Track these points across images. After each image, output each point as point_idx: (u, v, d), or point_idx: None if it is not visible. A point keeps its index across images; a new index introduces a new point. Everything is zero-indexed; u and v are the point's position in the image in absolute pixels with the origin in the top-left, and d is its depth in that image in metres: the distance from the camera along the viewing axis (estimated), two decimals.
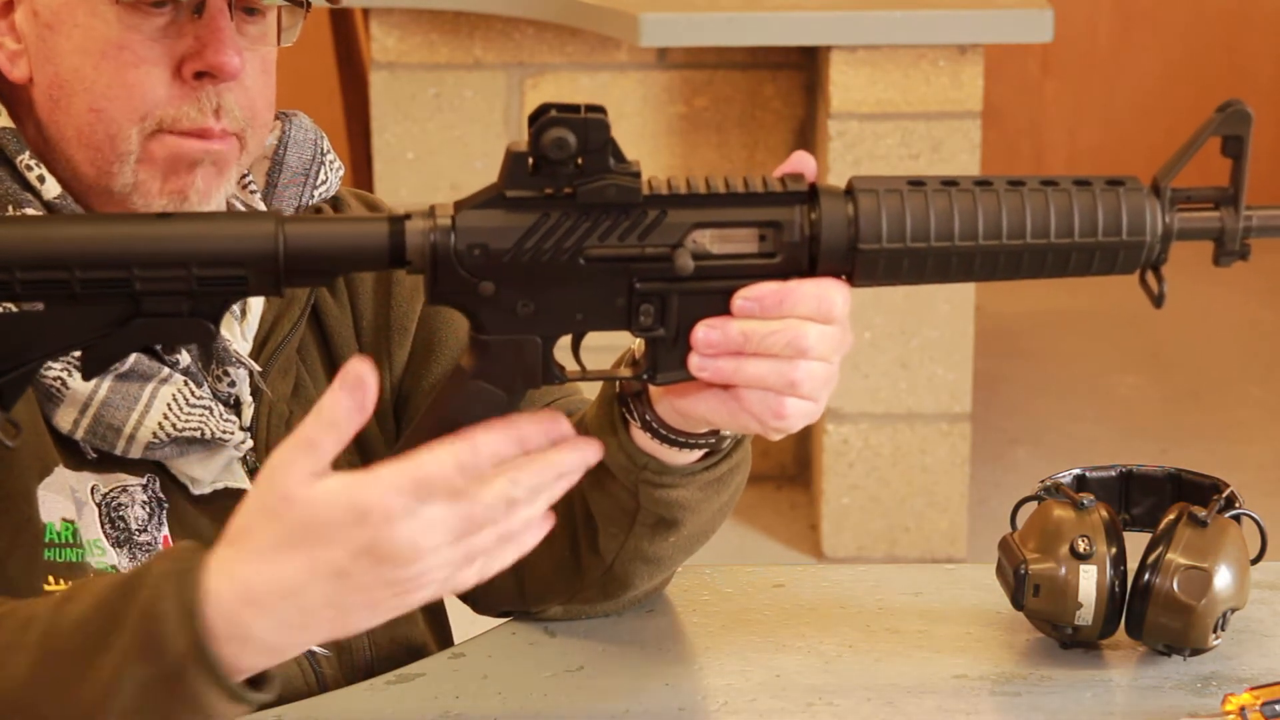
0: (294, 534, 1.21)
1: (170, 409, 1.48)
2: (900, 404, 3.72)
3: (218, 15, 1.45)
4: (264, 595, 1.21)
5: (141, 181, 1.46)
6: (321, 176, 1.60)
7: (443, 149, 3.82)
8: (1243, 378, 4.69)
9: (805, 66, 3.81)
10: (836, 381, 1.32)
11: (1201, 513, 1.50)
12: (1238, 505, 1.53)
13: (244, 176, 1.57)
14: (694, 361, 1.30)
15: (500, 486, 1.21)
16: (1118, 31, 5.54)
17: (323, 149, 1.61)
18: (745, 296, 1.29)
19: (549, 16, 3.59)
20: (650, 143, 3.83)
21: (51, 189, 1.47)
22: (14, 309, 1.34)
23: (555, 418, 1.26)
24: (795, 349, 1.29)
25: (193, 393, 1.50)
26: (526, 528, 1.24)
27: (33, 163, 1.47)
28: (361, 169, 4.01)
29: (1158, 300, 1.31)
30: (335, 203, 1.63)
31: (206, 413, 1.50)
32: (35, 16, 1.47)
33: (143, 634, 1.23)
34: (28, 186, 1.47)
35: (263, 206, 1.57)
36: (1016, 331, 4.84)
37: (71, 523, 1.46)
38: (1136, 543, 1.51)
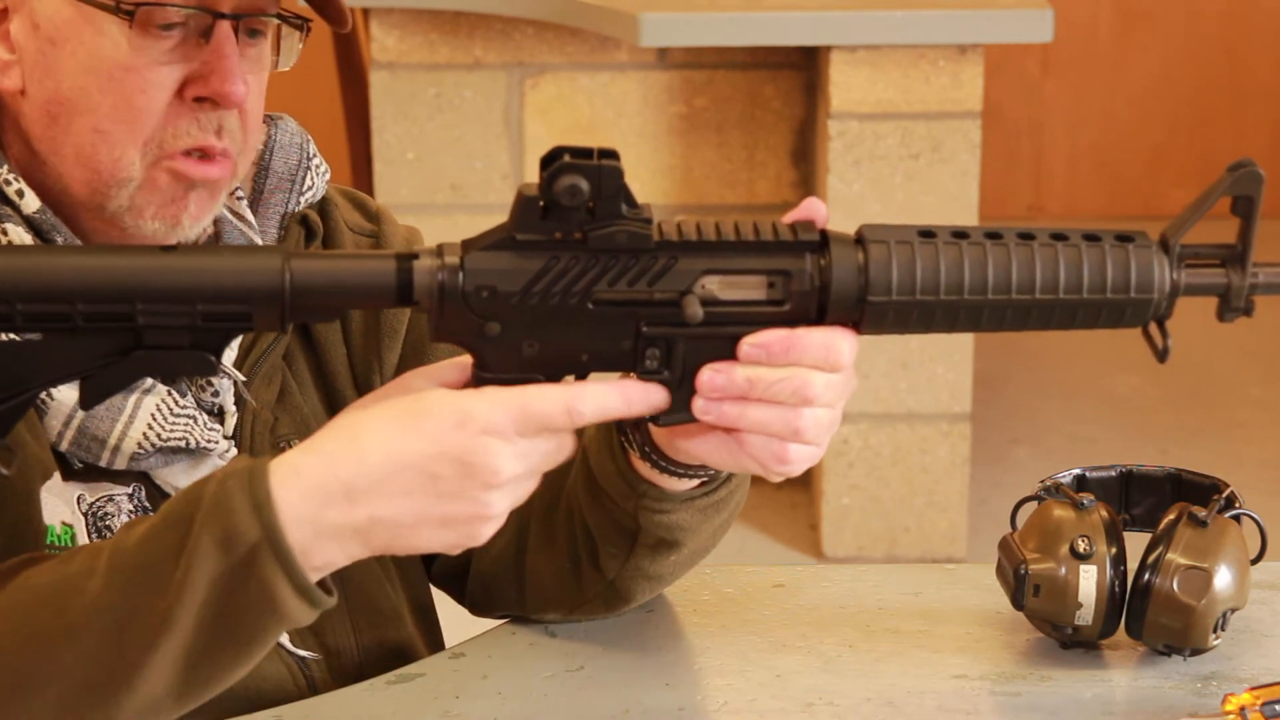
0: (398, 419, 1.24)
1: (154, 419, 1.48)
2: (900, 404, 3.72)
3: (225, 42, 1.43)
4: (345, 476, 1.23)
5: (137, 205, 1.45)
6: (308, 183, 1.59)
7: (443, 149, 3.82)
8: (1243, 378, 4.69)
9: (805, 66, 3.81)
10: (839, 425, 1.33)
11: (1201, 513, 1.50)
12: (1238, 505, 1.53)
13: None
14: (698, 405, 1.30)
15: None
16: (1118, 31, 5.54)
17: (309, 153, 1.59)
18: (752, 343, 1.28)
19: (549, 16, 3.59)
20: (650, 143, 3.83)
21: (30, 204, 1.45)
22: (13, 338, 1.33)
23: (657, 387, 1.29)
24: (801, 397, 1.29)
25: (176, 402, 1.49)
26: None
27: (11, 177, 1.45)
28: (361, 169, 4.01)
29: (1161, 355, 1.31)
30: (323, 204, 1.62)
31: (190, 422, 1.49)
32: (35, 30, 1.44)
33: (214, 529, 1.23)
34: (6, 200, 1.45)
35: (250, 215, 1.56)
36: (1017, 332, 4.84)
37: (70, 527, 1.46)
38: (1136, 543, 1.51)
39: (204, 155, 1.45)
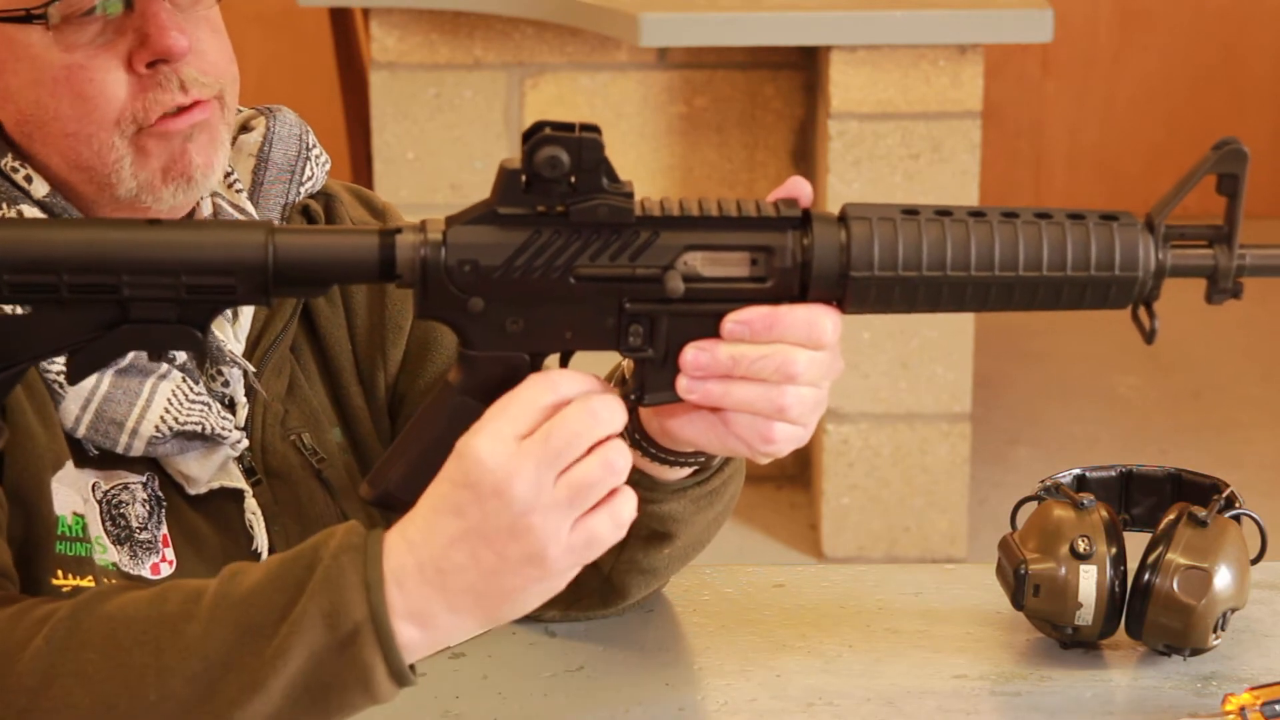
0: (449, 496, 1.24)
1: (171, 403, 1.48)
2: (900, 404, 3.72)
3: (148, 4, 1.44)
4: (430, 566, 1.23)
5: (143, 181, 1.46)
6: (307, 173, 1.59)
7: (443, 149, 3.82)
8: (1243, 378, 4.69)
9: (805, 66, 3.81)
10: (825, 407, 1.32)
11: (1201, 513, 1.50)
12: (1238, 505, 1.53)
13: (229, 175, 1.57)
14: (682, 384, 1.30)
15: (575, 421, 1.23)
16: (1118, 31, 5.54)
17: (308, 144, 1.60)
18: (735, 320, 1.28)
19: (549, 16, 3.59)
20: (650, 143, 3.83)
21: (40, 188, 1.46)
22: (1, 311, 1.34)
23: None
24: (784, 374, 1.28)
25: (191, 389, 1.50)
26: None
27: (17, 164, 1.46)
28: (361, 169, 4.01)
29: (1149, 336, 1.30)
30: (328, 198, 1.63)
31: (205, 408, 1.50)
32: None
33: (322, 601, 1.23)
34: (16, 186, 1.46)
35: (250, 206, 1.56)
36: (1016, 331, 4.84)
37: (82, 517, 1.46)
38: (1136, 543, 1.52)
39: (183, 111, 1.46)
